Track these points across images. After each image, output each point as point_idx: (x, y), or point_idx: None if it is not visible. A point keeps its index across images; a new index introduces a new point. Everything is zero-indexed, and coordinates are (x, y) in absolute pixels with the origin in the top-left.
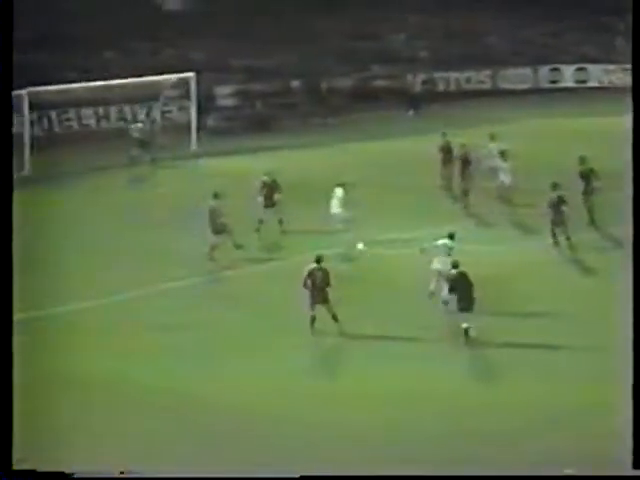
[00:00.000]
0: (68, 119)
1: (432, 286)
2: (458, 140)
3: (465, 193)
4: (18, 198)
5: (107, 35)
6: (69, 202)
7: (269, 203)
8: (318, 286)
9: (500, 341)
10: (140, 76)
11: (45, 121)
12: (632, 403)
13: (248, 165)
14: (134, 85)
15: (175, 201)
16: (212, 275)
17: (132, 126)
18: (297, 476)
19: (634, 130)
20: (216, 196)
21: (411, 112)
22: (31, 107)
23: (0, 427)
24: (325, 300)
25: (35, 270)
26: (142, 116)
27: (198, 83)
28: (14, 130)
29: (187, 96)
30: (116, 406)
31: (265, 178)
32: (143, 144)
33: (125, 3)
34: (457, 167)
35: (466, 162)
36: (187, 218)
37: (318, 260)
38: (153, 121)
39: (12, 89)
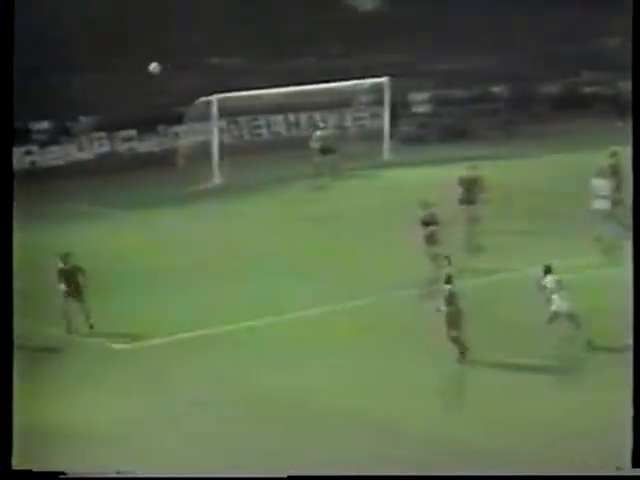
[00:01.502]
0: (258, 126)
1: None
2: None
3: None
4: (205, 208)
5: (298, 38)
6: (256, 213)
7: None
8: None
9: None
10: (332, 81)
11: (234, 128)
12: (632, 403)
13: (442, 176)
14: (326, 91)
15: (366, 213)
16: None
17: (314, 134)
18: None
19: (634, 130)
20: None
21: (620, 124)
22: (220, 114)
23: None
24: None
25: (228, 281)
26: (332, 123)
27: (392, 88)
28: (203, 138)
29: (380, 102)
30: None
31: (465, 174)
32: (326, 151)
33: (318, 4)
34: None
35: None
36: (377, 231)
37: None
38: (345, 128)
39: (12, 89)
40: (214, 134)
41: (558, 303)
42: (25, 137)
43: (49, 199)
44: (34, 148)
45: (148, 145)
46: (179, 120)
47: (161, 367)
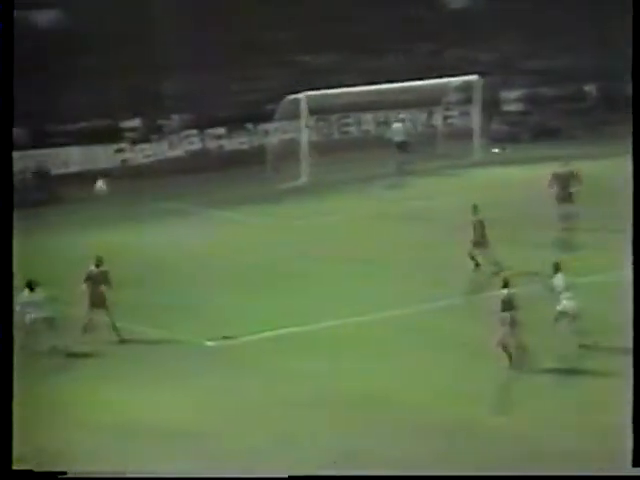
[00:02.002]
0: (347, 124)
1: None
2: None
3: None
4: (292, 206)
5: (389, 36)
6: (342, 212)
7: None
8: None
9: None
10: (422, 79)
11: (324, 126)
12: (632, 403)
13: (532, 175)
14: (415, 89)
15: (453, 212)
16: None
17: (392, 126)
18: None
19: (634, 131)
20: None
21: None
22: (309, 111)
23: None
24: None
25: (311, 280)
26: (422, 121)
27: (483, 87)
28: (291, 136)
29: (470, 101)
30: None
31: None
32: (403, 146)
33: (410, 2)
34: None
35: None
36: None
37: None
38: (434, 126)
39: (12, 90)
40: (303, 132)
41: (564, 303)
42: (116, 135)
43: (140, 196)
44: (125, 146)
45: (237, 143)
46: (268, 118)
47: (251, 364)
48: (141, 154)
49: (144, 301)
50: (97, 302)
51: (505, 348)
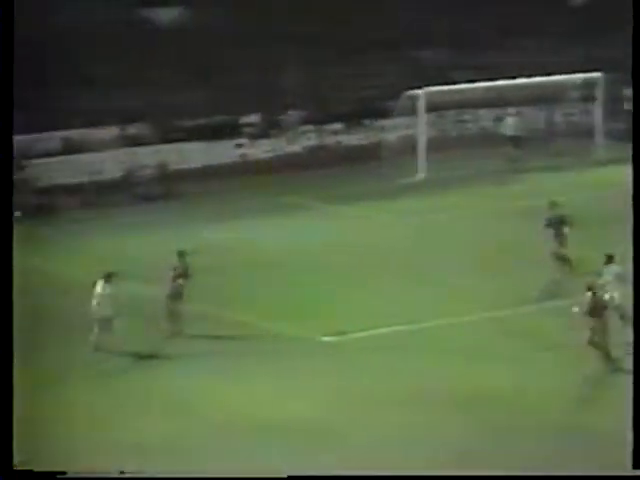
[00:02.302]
0: (464, 121)
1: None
2: None
3: None
4: (408, 203)
5: (508, 32)
6: (457, 208)
7: None
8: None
9: None
10: (541, 76)
11: (440, 122)
12: (632, 403)
13: None
14: (535, 85)
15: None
16: None
17: (505, 120)
18: None
19: (634, 131)
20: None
21: None
22: (427, 108)
23: (0, 428)
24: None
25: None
26: (542, 119)
27: (605, 84)
28: (408, 132)
29: (591, 98)
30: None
31: None
32: (516, 141)
33: None
34: None
35: None
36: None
37: None
38: (554, 124)
39: (12, 90)
40: (420, 128)
41: (611, 294)
42: (236, 131)
43: (258, 191)
44: (244, 141)
45: (354, 139)
46: (386, 114)
47: (364, 360)
48: (260, 149)
49: (259, 295)
50: (175, 295)
51: (597, 346)
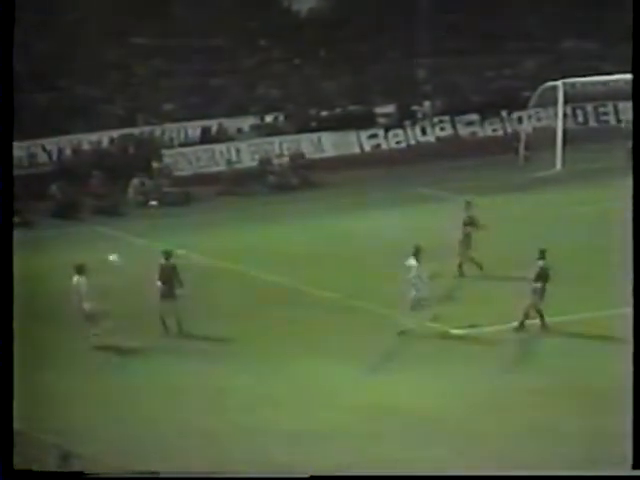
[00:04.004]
0: (605, 113)
1: None
2: None
3: None
4: (545, 196)
5: None
6: (591, 202)
7: None
8: None
9: None
10: None
11: (580, 114)
12: (632, 403)
13: None
14: None
15: None
16: None
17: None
18: None
19: (634, 132)
20: None
21: None
22: (565, 99)
23: (1, 427)
24: None
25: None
26: None
27: None
28: (545, 124)
29: None
30: None
31: None
32: None
33: None
34: None
35: None
36: None
37: None
38: None
39: (12, 91)
40: (559, 120)
41: None
42: (370, 121)
43: (391, 182)
44: (379, 132)
45: (490, 130)
46: (522, 105)
47: (492, 353)
48: (393, 140)
49: (386, 286)
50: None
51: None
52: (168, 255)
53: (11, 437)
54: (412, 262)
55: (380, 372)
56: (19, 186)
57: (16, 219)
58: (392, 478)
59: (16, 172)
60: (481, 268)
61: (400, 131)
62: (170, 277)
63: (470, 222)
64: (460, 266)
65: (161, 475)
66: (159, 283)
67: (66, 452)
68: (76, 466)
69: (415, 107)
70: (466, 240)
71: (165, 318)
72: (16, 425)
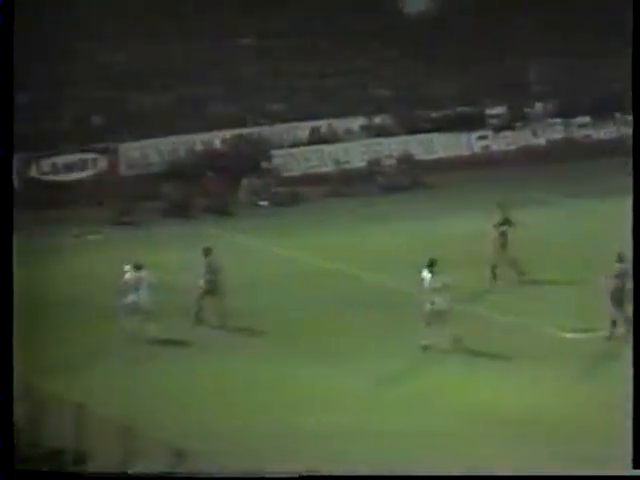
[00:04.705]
0: None
1: None
2: None
3: None
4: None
5: None
6: None
7: None
8: None
9: None
10: None
11: None
12: (632, 403)
13: None
14: None
15: None
16: None
17: None
18: None
19: (634, 133)
20: None
21: None
22: None
23: (1, 427)
24: None
25: None
26: None
27: None
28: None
29: None
30: None
31: None
32: None
33: None
34: None
35: None
36: None
37: None
38: None
39: (12, 91)
40: None
41: None
42: (480, 122)
43: (500, 184)
44: (488, 133)
45: (603, 132)
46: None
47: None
48: (503, 141)
49: (481, 286)
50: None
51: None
52: (208, 252)
53: (11, 437)
54: (425, 274)
55: (490, 372)
56: (130, 185)
57: (125, 219)
58: (392, 478)
59: (128, 172)
60: (522, 274)
61: (510, 133)
62: (215, 274)
63: (504, 223)
64: (493, 270)
65: (156, 475)
66: (201, 281)
67: (179, 450)
68: (189, 464)
69: (527, 109)
70: (501, 242)
71: (204, 315)
72: (123, 422)
